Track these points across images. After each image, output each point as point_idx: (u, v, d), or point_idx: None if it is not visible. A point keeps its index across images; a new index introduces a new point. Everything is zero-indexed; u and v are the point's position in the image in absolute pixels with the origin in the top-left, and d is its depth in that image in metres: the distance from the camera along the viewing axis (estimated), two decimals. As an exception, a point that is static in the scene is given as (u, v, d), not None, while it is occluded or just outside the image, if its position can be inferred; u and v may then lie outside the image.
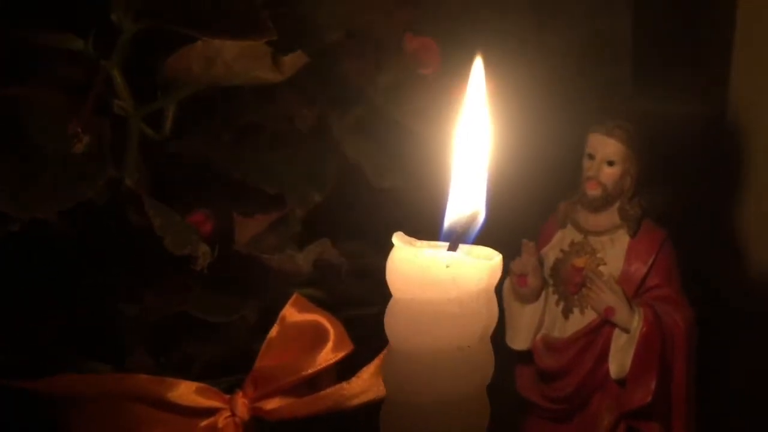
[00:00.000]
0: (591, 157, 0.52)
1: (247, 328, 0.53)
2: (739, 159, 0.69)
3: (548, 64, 0.69)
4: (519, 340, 0.54)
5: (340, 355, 0.49)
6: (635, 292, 0.52)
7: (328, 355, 0.49)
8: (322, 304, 0.52)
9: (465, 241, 0.36)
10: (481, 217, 0.36)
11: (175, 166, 0.50)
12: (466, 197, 0.36)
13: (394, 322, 0.36)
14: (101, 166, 0.46)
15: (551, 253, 0.54)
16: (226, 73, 0.46)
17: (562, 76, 0.69)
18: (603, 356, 0.52)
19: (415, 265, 0.35)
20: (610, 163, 0.52)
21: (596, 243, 0.53)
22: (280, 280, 0.53)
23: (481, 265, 0.35)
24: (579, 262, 0.52)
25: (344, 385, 0.49)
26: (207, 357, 0.53)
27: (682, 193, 0.69)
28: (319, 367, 0.48)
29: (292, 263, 0.50)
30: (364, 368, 0.49)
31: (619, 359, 0.51)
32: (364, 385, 0.49)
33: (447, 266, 0.34)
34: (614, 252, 0.52)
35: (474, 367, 0.36)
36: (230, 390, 0.49)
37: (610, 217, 0.53)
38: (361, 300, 0.54)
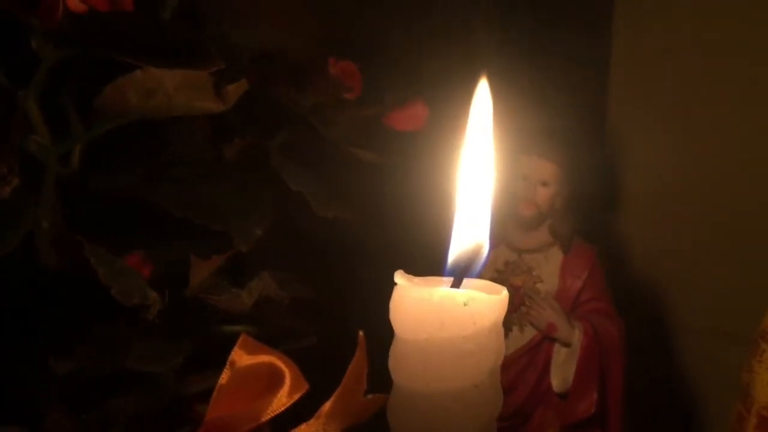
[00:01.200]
0: (525, 178, 0.53)
1: (175, 373, 0.49)
2: (616, 174, 0.73)
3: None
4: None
5: (296, 396, 0.47)
6: (571, 307, 0.53)
7: (283, 399, 0.46)
8: (259, 339, 0.50)
9: (469, 276, 0.35)
10: (485, 251, 0.35)
11: (99, 205, 0.46)
12: (469, 231, 0.35)
13: (403, 362, 0.34)
14: (27, 210, 0.41)
15: (486, 274, 0.54)
16: (166, 104, 0.43)
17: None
18: (545, 371, 0.53)
19: (431, 305, 0.33)
20: (544, 184, 0.53)
21: (531, 261, 0.54)
22: (216, 320, 0.50)
23: (494, 301, 0.34)
24: (517, 281, 0.53)
25: (303, 426, 0.46)
26: (133, 409, 0.49)
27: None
28: (275, 412, 0.46)
29: (238, 302, 0.47)
30: (322, 407, 0.47)
31: (562, 374, 0.52)
32: (322, 424, 0.47)
33: (465, 304, 0.33)
34: (549, 269, 0.54)
35: (486, 401, 0.35)
36: (179, 445, 0.45)
37: (541, 234, 0.54)
38: (298, 332, 0.52)
